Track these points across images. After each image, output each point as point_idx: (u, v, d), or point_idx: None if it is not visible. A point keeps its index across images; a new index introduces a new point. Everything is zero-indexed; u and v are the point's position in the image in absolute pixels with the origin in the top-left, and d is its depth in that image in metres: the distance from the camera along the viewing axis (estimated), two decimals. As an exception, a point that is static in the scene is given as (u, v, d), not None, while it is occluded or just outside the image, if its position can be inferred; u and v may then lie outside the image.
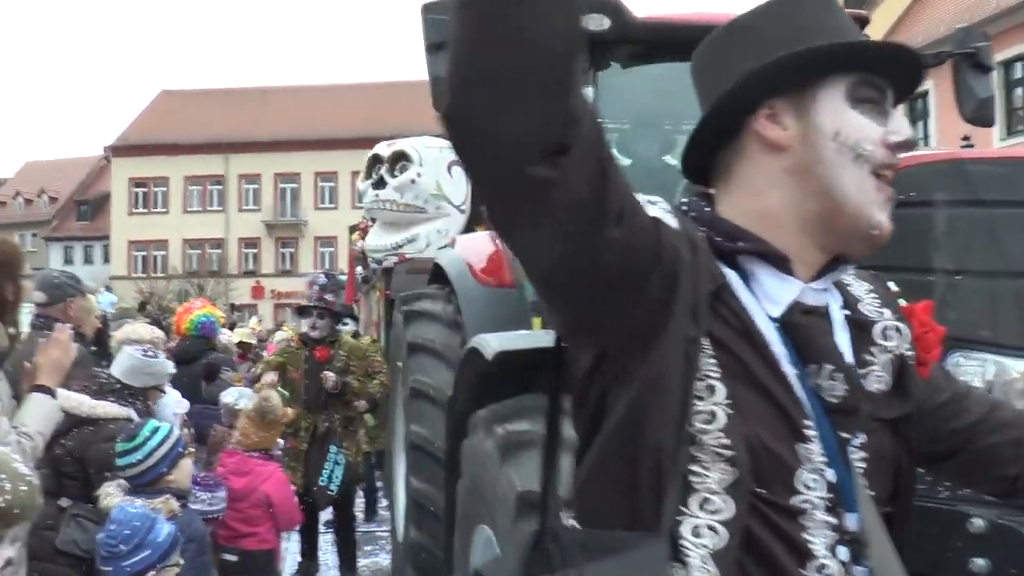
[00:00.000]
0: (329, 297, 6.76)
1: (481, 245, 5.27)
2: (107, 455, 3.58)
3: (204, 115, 49.51)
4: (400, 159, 7.90)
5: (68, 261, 50.53)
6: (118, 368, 4.03)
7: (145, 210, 48.96)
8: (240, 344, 10.36)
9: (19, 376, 3.18)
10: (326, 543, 7.05)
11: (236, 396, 5.56)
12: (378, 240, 8.01)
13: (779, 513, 1.19)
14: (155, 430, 3.54)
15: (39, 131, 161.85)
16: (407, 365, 4.98)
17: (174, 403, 4.83)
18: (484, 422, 3.01)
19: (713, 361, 1.18)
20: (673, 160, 5.02)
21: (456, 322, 4.99)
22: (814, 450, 1.21)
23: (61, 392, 3.17)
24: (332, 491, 6.26)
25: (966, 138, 8.84)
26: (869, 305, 1.39)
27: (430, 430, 4.64)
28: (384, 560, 7.34)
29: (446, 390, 4.71)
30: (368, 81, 51.78)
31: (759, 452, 1.18)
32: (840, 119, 1.29)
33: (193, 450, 3.92)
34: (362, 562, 7.04)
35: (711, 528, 1.15)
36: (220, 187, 48.77)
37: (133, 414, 3.85)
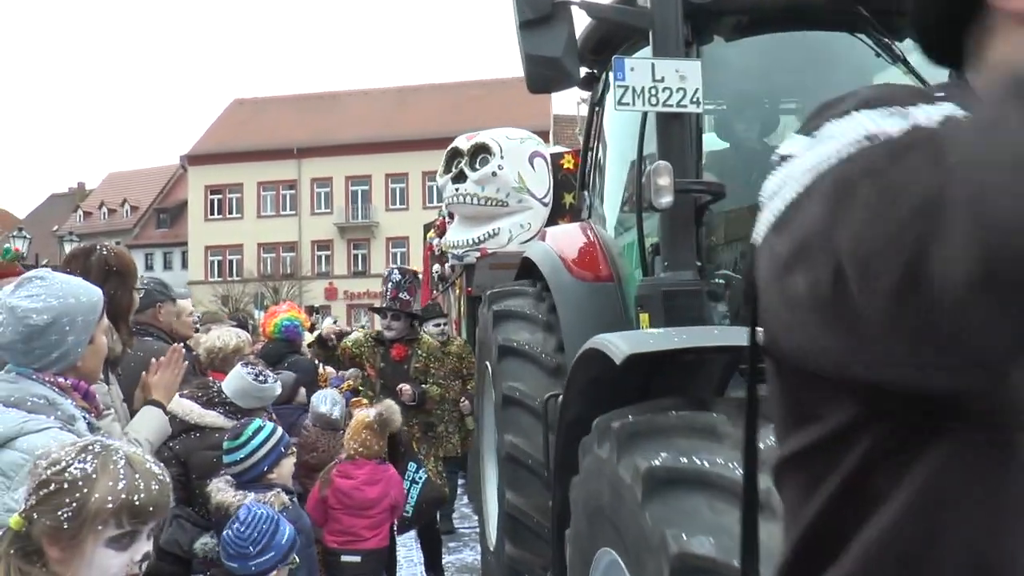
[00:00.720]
0: (404, 296, 6.30)
1: (574, 237, 4.96)
2: (210, 462, 3.73)
3: (275, 122, 50.41)
4: (480, 152, 7.60)
5: (149, 267, 51.27)
6: (228, 387, 4.06)
7: (221, 216, 49.74)
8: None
9: (130, 382, 3.43)
10: (409, 539, 6.79)
11: (330, 405, 5.37)
12: (458, 235, 7.72)
13: None
14: (258, 429, 3.64)
15: (120, 143, 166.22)
16: (497, 370, 4.68)
17: None
18: (616, 439, 2.62)
19: None
20: (775, 142, 4.66)
21: (549, 323, 4.67)
22: None
23: (173, 399, 3.48)
24: (407, 512, 5.56)
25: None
26: None
27: (526, 440, 4.35)
28: (469, 557, 7.12)
29: (539, 396, 4.42)
30: (436, 82, 51.90)
31: None
32: None
33: (295, 450, 3.98)
34: (446, 558, 6.80)
35: None
36: (293, 191, 49.31)
37: None
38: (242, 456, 3.56)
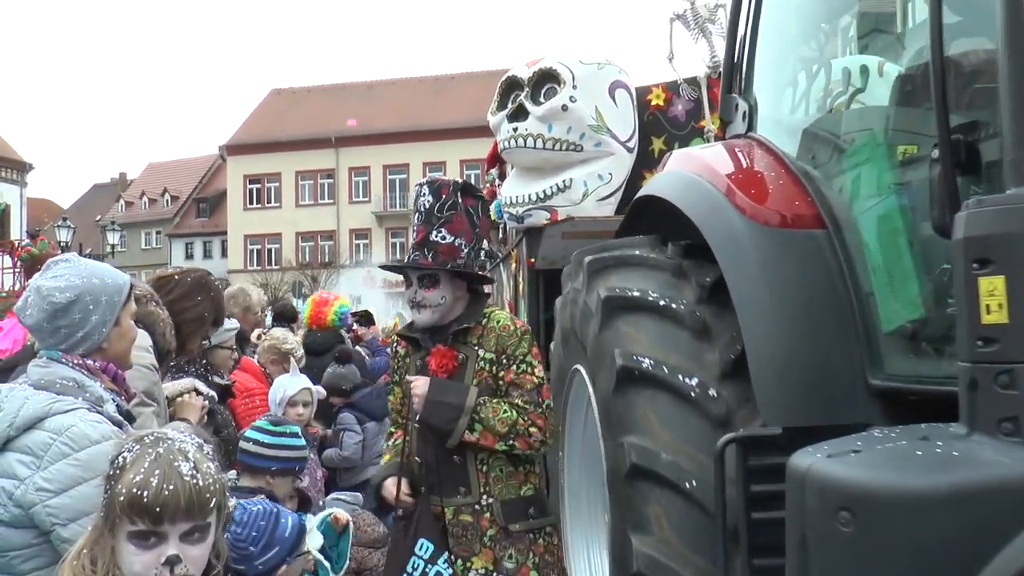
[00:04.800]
0: (443, 236, 3.12)
1: (732, 160, 2.85)
2: None
3: (313, 111, 49.81)
4: (546, 80, 5.44)
5: (189, 256, 51.22)
6: None
7: (259, 205, 49.18)
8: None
9: None
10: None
11: None
12: (517, 189, 5.54)
13: None
14: (294, 434, 3.41)
15: (160, 134, 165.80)
16: (613, 406, 2.58)
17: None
18: None
19: None
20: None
21: (704, 324, 2.56)
22: None
23: None
24: None
25: None
26: None
27: (677, 549, 2.27)
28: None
29: (699, 471, 2.36)
30: (474, 70, 50.10)
31: None
32: None
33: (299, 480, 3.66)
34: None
35: None
36: (331, 180, 48.62)
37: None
38: (266, 441, 3.32)
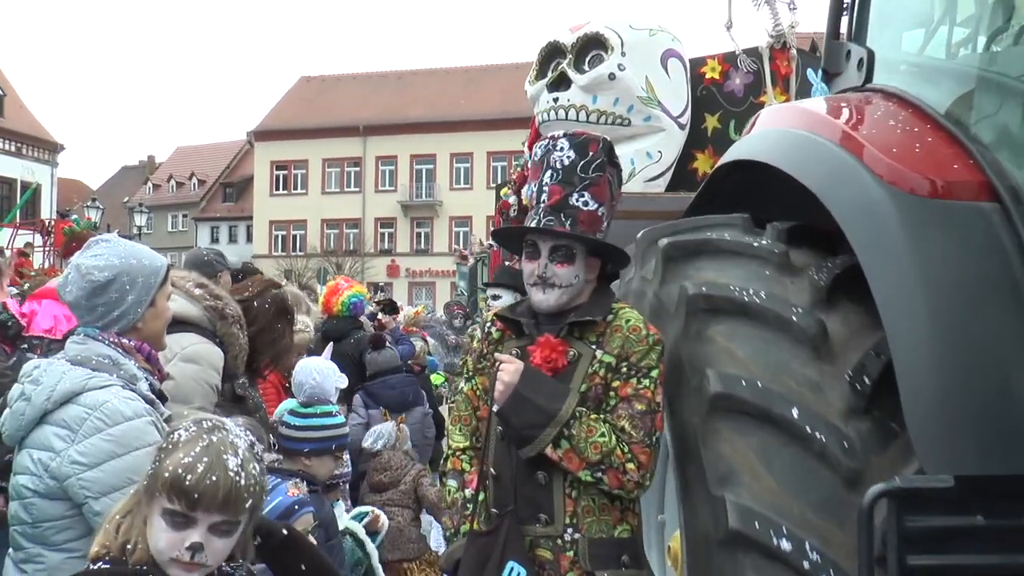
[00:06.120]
0: (584, 202, 2.40)
1: (854, 114, 2.20)
2: None
3: (342, 99, 49.58)
4: (591, 46, 4.79)
5: (215, 240, 51.21)
6: None
7: (286, 192, 48.96)
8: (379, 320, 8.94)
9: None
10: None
11: (373, 438, 4.95)
12: None
13: None
14: (327, 413, 3.43)
15: (189, 118, 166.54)
16: (704, 447, 1.91)
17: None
18: None
19: None
20: None
21: (823, 339, 1.86)
22: None
23: None
24: None
25: None
26: None
27: None
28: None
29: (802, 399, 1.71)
30: (502, 63, 49.44)
31: None
32: None
33: (344, 458, 3.69)
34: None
35: None
36: (357, 169, 48.28)
37: None
38: (296, 423, 3.35)
